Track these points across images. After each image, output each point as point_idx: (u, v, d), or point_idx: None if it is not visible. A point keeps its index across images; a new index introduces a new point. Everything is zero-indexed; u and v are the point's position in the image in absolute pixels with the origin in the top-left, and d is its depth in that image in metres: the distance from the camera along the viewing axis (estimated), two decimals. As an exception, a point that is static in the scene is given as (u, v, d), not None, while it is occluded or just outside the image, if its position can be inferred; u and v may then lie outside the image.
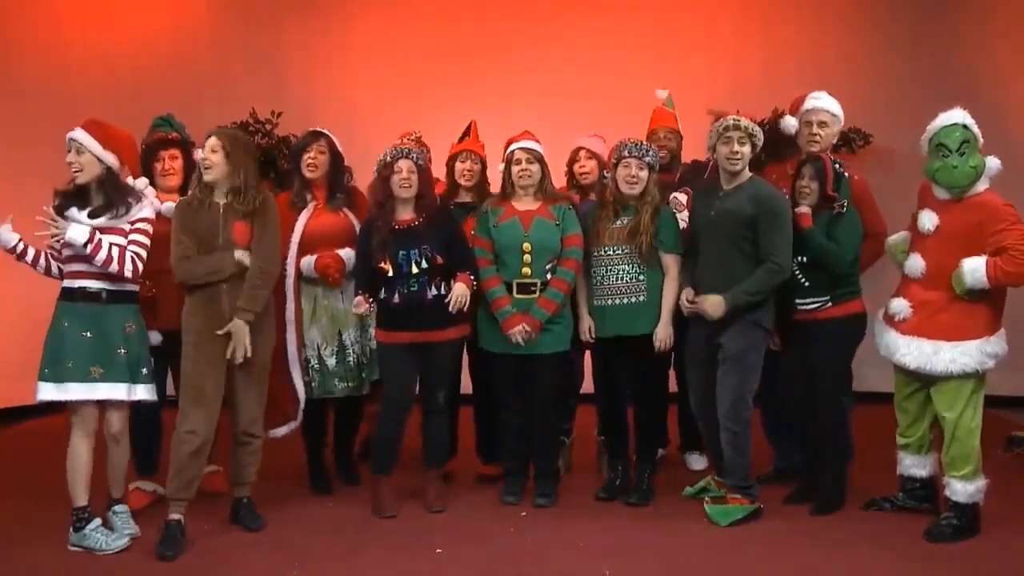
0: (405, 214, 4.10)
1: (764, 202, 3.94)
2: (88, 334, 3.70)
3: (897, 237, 4.05)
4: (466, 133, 4.61)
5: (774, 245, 3.92)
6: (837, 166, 4.01)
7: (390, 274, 4.01)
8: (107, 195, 3.77)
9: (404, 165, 4.05)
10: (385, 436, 4.16)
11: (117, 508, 3.88)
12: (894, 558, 3.58)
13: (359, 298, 4.04)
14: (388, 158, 4.10)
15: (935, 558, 3.58)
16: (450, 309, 4.01)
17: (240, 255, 3.80)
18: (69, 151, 3.75)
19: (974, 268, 3.64)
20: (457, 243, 4.13)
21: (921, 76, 6.30)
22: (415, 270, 4.01)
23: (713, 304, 3.95)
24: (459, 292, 4.02)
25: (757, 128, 4.04)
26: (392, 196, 4.07)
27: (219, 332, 3.76)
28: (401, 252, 4.01)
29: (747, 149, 4.01)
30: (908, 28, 6.49)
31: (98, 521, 3.75)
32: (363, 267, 4.09)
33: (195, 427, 3.74)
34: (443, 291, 4.06)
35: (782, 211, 3.95)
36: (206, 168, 3.81)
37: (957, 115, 3.76)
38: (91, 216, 3.73)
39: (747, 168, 4.07)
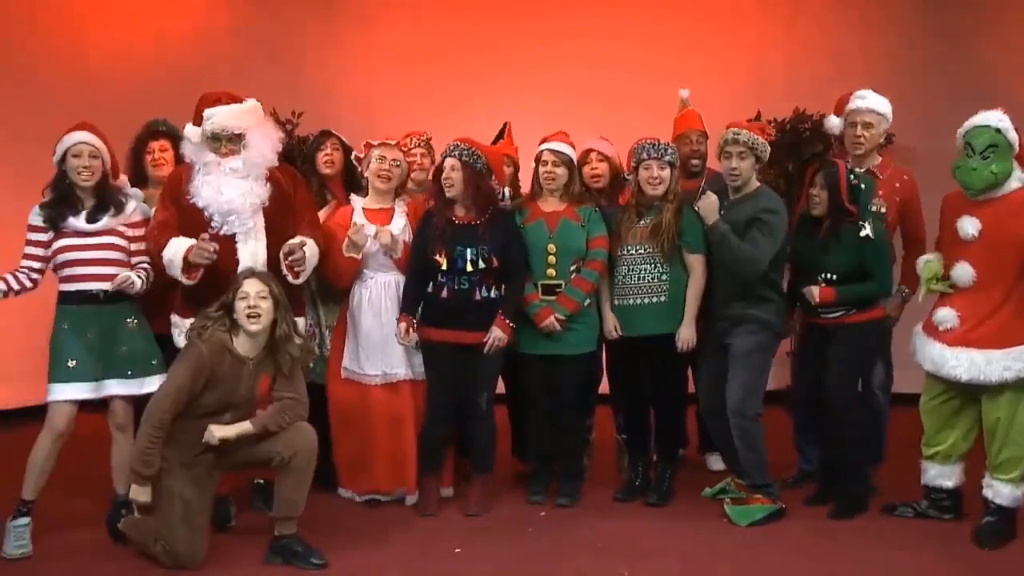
0: (463, 211, 4.10)
1: (760, 213, 3.95)
2: (89, 335, 3.74)
3: (929, 260, 3.88)
4: (500, 135, 4.60)
5: (754, 239, 3.92)
6: (852, 177, 3.92)
7: (444, 267, 4.00)
8: (101, 196, 3.80)
9: (448, 163, 4.05)
10: (431, 436, 4.16)
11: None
12: (912, 562, 3.57)
13: (403, 325, 4.04)
14: (441, 155, 4.13)
15: (950, 562, 3.56)
16: (484, 351, 4.01)
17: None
18: (81, 155, 3.75)
19: None
20: (514, 248, 4.09)
21: (942, 75, 6.25)
22: (469, 268, 4.00)
23: (709, 205, 3.97)
24: (496, 336, 4.01)
25: (759, 140, 3.99)
26: (444, 193, 4.08)
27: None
28: (458, 248, 4.01)
29: (747, 164, 3.99)
30: (929, 27, 6.44)
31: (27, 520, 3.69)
32: (417, 258, 4.09)
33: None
34: (492, 294, 4.05)
35: (772, 219, 3.93)
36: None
37: (992, 117, 3.68)
38: (89, 220, 3.76)
39: (753, 179, 4.05)
